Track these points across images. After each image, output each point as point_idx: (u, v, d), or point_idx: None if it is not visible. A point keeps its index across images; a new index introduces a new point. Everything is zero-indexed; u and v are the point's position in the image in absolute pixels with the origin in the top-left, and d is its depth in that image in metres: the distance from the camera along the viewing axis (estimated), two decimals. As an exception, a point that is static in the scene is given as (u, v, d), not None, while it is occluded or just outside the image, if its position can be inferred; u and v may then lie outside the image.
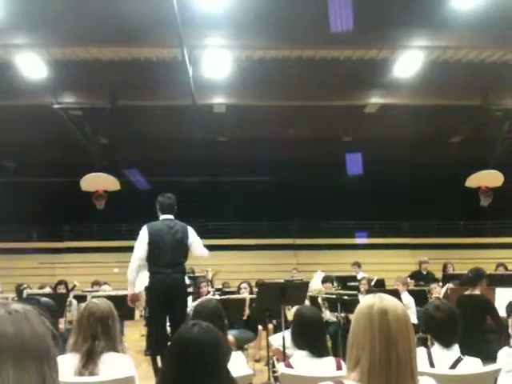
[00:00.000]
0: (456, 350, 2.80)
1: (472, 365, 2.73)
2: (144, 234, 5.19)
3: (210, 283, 8.59)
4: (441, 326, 2.82)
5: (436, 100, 11.58)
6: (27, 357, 0.87)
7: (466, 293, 4.77)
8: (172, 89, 10.75)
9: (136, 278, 5.27)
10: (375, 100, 11.91)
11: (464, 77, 10.67)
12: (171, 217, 5.34)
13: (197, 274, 9.30)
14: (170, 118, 12.76)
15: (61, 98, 11.42)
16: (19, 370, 0.85)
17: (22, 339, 0.88)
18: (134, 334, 8.95)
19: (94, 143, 13.02)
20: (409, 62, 10.36)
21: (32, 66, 10.11)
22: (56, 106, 11.38)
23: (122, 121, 12.20)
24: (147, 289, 5.30)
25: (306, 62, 10.83)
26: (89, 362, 2.72)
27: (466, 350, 2.88)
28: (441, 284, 8.40)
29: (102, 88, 11.20)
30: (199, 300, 6.74)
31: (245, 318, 6.62)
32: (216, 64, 10.32)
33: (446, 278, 8.16)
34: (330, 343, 5.56)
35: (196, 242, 5.35)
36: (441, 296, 7.40)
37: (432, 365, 2.70)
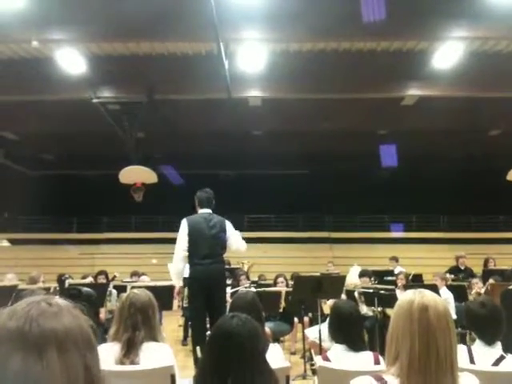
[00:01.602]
0: (498, 347, 2.75)
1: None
2: (184, 226, 5.34)
3: (246, 275, 8.65)
4: (485, 322, 2.76)
5: (475, 92, 11.29)
6: (69, 343, 0.90)
7: (511, 287, 4.66)
8: (208, 82, 10.81)
9: (183, 269, 5.40)
10: (413, 92, 11.69)
11: (504, 68, 10.37)
12: (209, 211, 5.44)
13: (233, 266, 9.36)
14: (206, 112, 12.84)
15: (99, 93, 11.62)
16: (63, 358, 0.88)
17: (64, 327, 0.91)
18: (172, 324, 9.10)
19: (131, 137, 13.23)
20: (448, 54, 10.12)
21: (71, 61, 10.33)
22: (94, 101, 11.60)
23: (158, 114, 12.34)
24: (187, 280, 5.41)
25: (343, 55, 10.72)
26: (129, 351, 2.78)
27: (510, 347, 2.83)
28: (481, 279, 8.21)
29: (139, 82, 11.35)
30: (236, 289, 6.82)
31: (281, 310, 6.66)
32: (252, 57, 10.31)
33: (487, 274, 7.97)
34: (366, 337, 5.53)
35: (234, 236, 5.43)
36: (482, 291, 7.26)
37: (472, 362, 2.66)
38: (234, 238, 5.44)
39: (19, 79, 10.79)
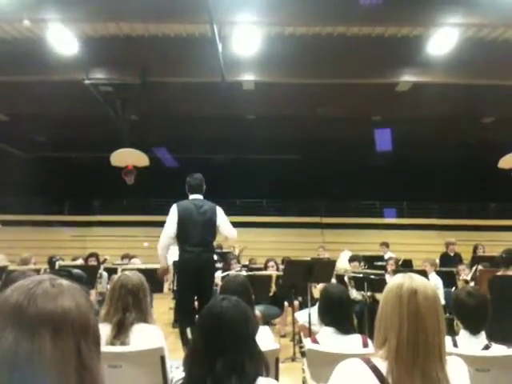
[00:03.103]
0: (483, 337, 2.78)
1: (500, 352, 2.71)
2: (173, 212, 5.27)
3: (236, 259, 8.68)
4: (472, 312, 2.78)
5: (470, 79, 11.28)
6: (64, 328, 0.90)
7: (499, 274, 4.71)
8: (201, 65, 10.73)
9: (166, 254, 5.39)
10: (407, 78, 11.66)
11: (499, 55, 10.36)
12: (200, 197, 5.40)
13: (224, 250, 9.38)
14: (199, 95, 12.76)
15: (91, 74, 11.51)
16: (56, 341, 0.88)
17: (62, 311, 0.91)
18: (163, 306, 9.13)
19: (124, 119, 13.14)
20: (443, 40, 10.09)
21: (63, 41, 10.19)
22: (87, 82, 11.49)
23: (151, 97, 12.25)
24: (177, 266, 5.40)
25: (337, 39, 10.67)
26: (120, 332, 2.79)
27: (499, 331, 2.85)
28: (469, 266, 8.29)
29: (132, 64, 11.24)
30: (227, 273, 6.85)
31: (271, 294, 6.70)
32: (246, 40, 10.24)
33: (476, 260, 8.04)
34: (355, 322, 5.58)
35: (225, 223, 5.40)
36: (469, 278, 7.33)
37: (457, 352, 2.69)
38: (225, 226, 5.40)
39: (10, 60, 10.64)
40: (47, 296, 0.92)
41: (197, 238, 5.17)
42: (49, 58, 10.69)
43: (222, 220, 5.39)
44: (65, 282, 0.98)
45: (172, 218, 5.25)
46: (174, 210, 5.28)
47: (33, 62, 10.77)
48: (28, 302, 0.90)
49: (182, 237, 5.24)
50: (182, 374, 1.86)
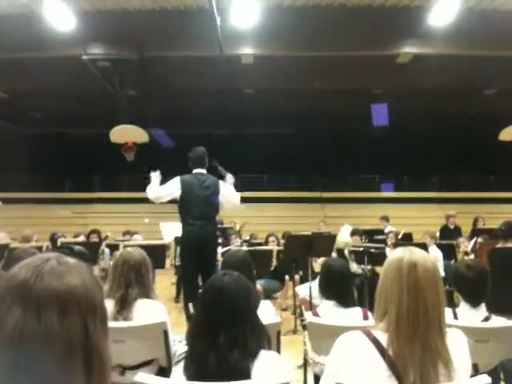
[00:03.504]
0: (483, 309, 2.80)
1: (499, 323, 2.73)
2: (177, 181, 5.25)
3: (238, 234, 8.71)
4: (472, 285, 2.78)
5: (471, 50, 11.16)
6: (71, 305, 0.91)
7: (498, 246, 4.72)
8: (199, 39, 10.61)
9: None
10: (408, 50, 11.54)
11: (501, 26, 10.23)
12: (203, 171, 5.38)
13: (225, 226, 9.41)
14: (198, 69, 12.64)
15: (89, 50, 11.39)
16: (63, 318, 0.89)
17: (68, 289, 0.91)
18: (165, 281, 9.21)
19: (122, 94, 13.05)
20: (444, 10, 9.95)
21: (60, 16, 10.06)
22: (84, 58, 11.38)
23: (149, 72, 12.15)
24: (180, 240, 5.41)
25: (338, 10, 10.53)
26: (123, 307, 2.82)
27: (498, 303, 2.86)
28: (468, 239, 8.32)
29: (130, 39, 11.12)
30: (227, 248, 6.89)
31: (272, 268, 6.75)
32: (244, 13, 10.10)
33: (475, 233, 8.07)
34: (355, 295, 5.63)
35: (227, 192, 5.40)
36: (469, 250, 7.37)
37: (457, 324, 2.71)
38: (228, 196, 5.40)
39: (7, 36, 10.52)
40: (54, 273, 0.92)
41: (199, 211, 5.18)
42: (46, 34, 10.57)
43: (225, 189, 5.39)
44: (71, 260, 0.98)
45: (174, 185, 5.24)
46: (177, 180, 5.27)
47: (30, 38, 10.65)
48: (35, 279, 0.90)
49: (184, 210, 5.24)
50: (185, 348, 1.88)
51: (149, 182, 5.43)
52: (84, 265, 1.00)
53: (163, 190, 5.31)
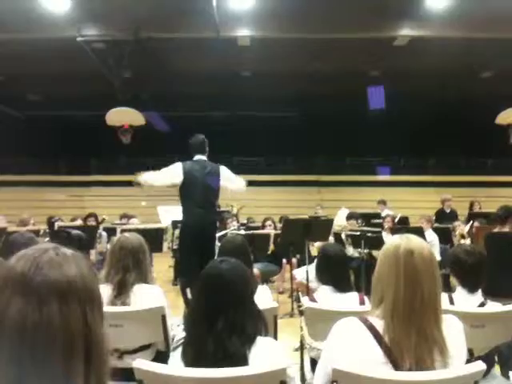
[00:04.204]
0: (479, 294, 2.81)
1: (495, 309, 2.75)
2: (179, 169, 5.20)
3: (235, 217, 8.73)
4: (471, 271, 2.78)
5: (469, 33, 11.07)
6: (71, 296, 0.92)
7: (495, 230, 4.74)
8: (195, 20, 10.50)
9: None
10: (406, 32, 11.45)
11: (498, 8, 10.14)
12: (203, 157, 5.36)
13: (222, 209, 9.42)
14: (194, 52, 12.54)
15: (84, 31, 11.26)
16: (63, 308, 0.90)
17: (67, 279, 0.92)
18: (162, 264, 9.24)
19: (118, 76, 12.95)
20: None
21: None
22: (79, 39, 11.26)
23: (145, 54, 12.03)
24: (180, 226, 5.39)
25: (335, -9, 10.40)
26: (121, 292, 2.83)
27: (493, 288, 2.87)
28: (465, 222, 8.35)
29: (125, 20, 10.98)
30: (224, 232, 6.91)
31: (269, 252, 6.78)
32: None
33: (472, 216, 8.10)
34: (352, 277, 5.67)
35: (230, 180, 5.39)
36: (465, 233, 7.40)
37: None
38: (231, 182, 5.39)
39: (1, 18, 10.37)
40: (52, 264, 0.93)
41: (200, 199, 5.16)
42: (40, 16, 10.44)
43: (228, 177, 5.37)
44: (68, 250, 0.99)
45: (176, 170, 5.19)
46: (179, 165, 5.23)
47: (24, 19, 10.50)
48: (34, 270, 0.91)
49: (185, 197, 5.23)
50: (183, 334, 1.89)
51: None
52: (81, 255, 1.01)
53: (164, 174, 5.26)
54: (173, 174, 5.21)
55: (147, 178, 5.28)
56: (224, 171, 5.39)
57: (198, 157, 5.34)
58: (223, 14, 10.19)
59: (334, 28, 11.04)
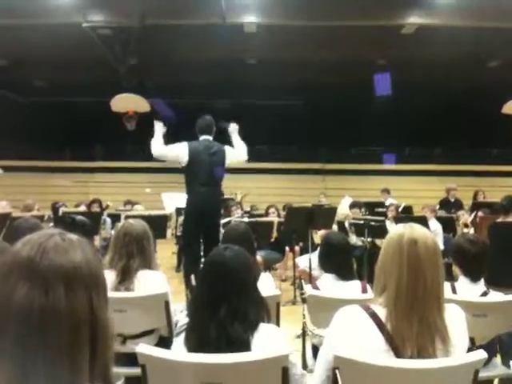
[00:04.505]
0: (481, 284, 2.81)
1: (497, 298, 2.76)
2: (185, 148, 5.23)
3: (239, 205, 8.73)
4: (474, 260, 2.77)
5: (476, 21, 10.97)
6: (77, 281, 0.92)
7: (498, 220, 4.73)
8: (202, 7, 10.44)
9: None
10: (413, 20, 11.37)
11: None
12: (209, 138, 5.39)
13: (226, 197, 9.42)
14: (200, 39, 12.47)
15: (90, 17, 11.22)
16: (69, 294, 0.90)
17: (74, 265, 0.93)
18: (166, 251, 9.28)
19: (123, 63, 12.91)
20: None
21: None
22: (85, 25, 11.22)
23: (151, 40, 11.99)
24: (185, 205, 5.42)
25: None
26: (124, 278, 2.84)
27: (496, 278, 2.87)
28: (468, 212, 8.34)
29: (132, 6, 10.94)
30: (228, 219, 6.92)
31: (272, 240, 6.79)
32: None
33: (476, 206, 8.08)
34: (355, 266, 5.69)
35: (233, 153, 5.43)
36: (468, 222, 7.39)
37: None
38: (233, 156, 5.43)
39: (6, 3, 10.34)
40: (58, 249, 0.94)
41: (205, 177, 5.20)
42: (46, 1, 10.41)
43: (231, 152, 5.42)
44: (74, 236, 1.00)
45: (182, 149, 5.22)
46: (184, 146, 5.25)
47: (30, 4, 10.48)
48: (41, 255, 0.91)
49: (191, 176, 5.27)
50: (186, 319, 1.91)
51: (152, 135, 5.37)
52: (86, 240, 1.02)
53: (169, 149, 5.32)
54: (178, 152, 5.26)
55: (153, 144, 5.35)
56: (229, 150, 5.43)
57: (204, 137, 5.37)
58: (230, 0, 10.13)
59: (340, 16, 10.97)
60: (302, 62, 14.06)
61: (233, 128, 5.68)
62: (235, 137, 5.64)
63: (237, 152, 5.51)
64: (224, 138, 5.62)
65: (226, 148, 5.43)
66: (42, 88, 17.54)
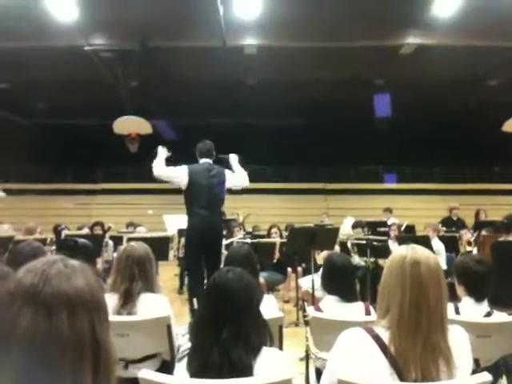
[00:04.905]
0: (485, 304, 2.79)
1: (501, 319, 2.73)
2: (185, 171, 5.29)
3: (241, 226, 8.73)
4: (481, 280, 2.76)
5: (474, 41, 11.08)
6: (79, 307, 0.93)
7: (501, 239, 4.72)
8: (202, 29, 10.56)
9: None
10: (412, 40, 11.47)
11: (504, 17, 10.13)
12: (209, 161, 5.43)
13: (228, 217, 9.43)
14: (200, 61, 12.60)
15: (91, 40, 11.35)
16: (72, 320, 0.91)
17: (76, 291, 0.94)
18: (168, 273, 9.26)
19: (125, 85, 13.03)
20: (448, 0, 9.89)
21: (62, 7, 10.02)
22: (86, 48, 11.35)
23: (152, 63, 12.10)
24: (186, 229, 5.44)
25: (341, 0, 10.43)
26: (127, 301, 2.83)
27: (499, 297, 2.85)
28: (471, 231, 8.32)
29: (132, 30, 11.07)
30: (230, 240, 6.92)
31: (275, 261, 6.77)
32: (247, 3, 10.05)
33: (478, 225, 8.07)
34: (358, 286, 5.65)
35: (234, 177, 5.47)
36: (471, 240, 7.36)
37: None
38: (233, 181, 5.47)
39: (9, 26, 10.48)
40: (61, 276, 0.95)
41: (205, 201, 5.23)
42: (49, 24, 10.53)
43: (231, 176, 5.46)
44: (76, 262, 1.01)
45: (182, 172, 5.28)
46: (184, 169, 5.31)
47: (32, 28, 10.61)
48: (44, 282, 0.93)
49: (191, 199, 5.29)
50: (189, 344, 1.90)
51: (154, 156, 5.43)
52: (87, 266, 1.03)
53: (170, 170, 5.37)
54: (179, 174, 5.31)
55: (154, 165, 5.40)
56: (229, 174, 5.48)
57: (204, 160, 5.41)
58: (230, 23, 10.25)
59: (339, 37, 11.08)
60: (302, 82, 14.17)
61: (233, 158, 5.71)
62: (235, 164, 5.67)
63: (237, 177, 5.54)
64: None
65: (227, 172, 5.46)
66: (44, 110, 17.67)
